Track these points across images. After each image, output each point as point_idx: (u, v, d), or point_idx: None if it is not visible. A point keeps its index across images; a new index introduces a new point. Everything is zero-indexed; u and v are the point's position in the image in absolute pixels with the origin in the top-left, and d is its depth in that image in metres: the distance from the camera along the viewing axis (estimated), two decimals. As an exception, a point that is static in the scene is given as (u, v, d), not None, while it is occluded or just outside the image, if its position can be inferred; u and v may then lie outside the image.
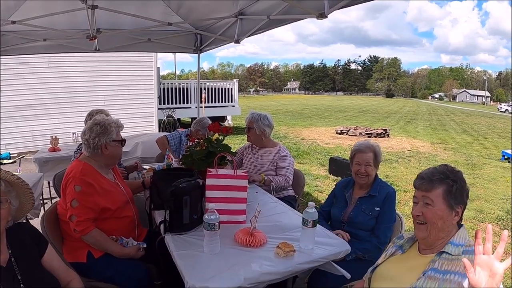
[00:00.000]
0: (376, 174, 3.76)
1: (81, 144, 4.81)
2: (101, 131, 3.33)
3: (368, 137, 18.12)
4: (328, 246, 2.86)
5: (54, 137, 7.65)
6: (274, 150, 4.94)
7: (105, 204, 3.22)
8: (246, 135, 5.11)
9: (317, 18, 4.28)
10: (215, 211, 2.69)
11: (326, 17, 4.17)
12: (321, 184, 9.43)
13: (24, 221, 2.93)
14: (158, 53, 15.66)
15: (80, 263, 3.05)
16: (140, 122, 14.68)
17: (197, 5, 6.46)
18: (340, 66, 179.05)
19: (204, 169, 3.45)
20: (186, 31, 7.75)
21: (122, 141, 3.53)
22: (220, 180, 3.23)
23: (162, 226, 3.11)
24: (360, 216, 3.59)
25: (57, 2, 5.65)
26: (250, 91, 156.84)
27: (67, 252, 3.19)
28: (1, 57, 8.00)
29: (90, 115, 4.87)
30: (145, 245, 3.32)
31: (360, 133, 18.93)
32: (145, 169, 5.34)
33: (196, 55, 8.48)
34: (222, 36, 6.93)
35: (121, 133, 3.58)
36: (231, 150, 3.98)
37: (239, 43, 6.56)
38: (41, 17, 5.93)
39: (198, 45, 8.23)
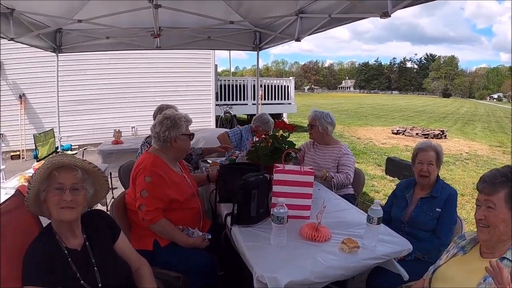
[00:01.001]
0: (438, 174, 3.73)
1: (148, 137, 4.99)
2: (171, 125, 3.46)
3: (425, 138, 17.71)
4: (390, 244, 2.86)
5: (117, 130, 7.98)
6: (336, 147, 4.95)
7: (173, 195, 3.34)
8: (303, 133, 5.14)
9: (380, 17, 4.26)
10: (284, 205, 2.74)
11: (390, 16, 4.16)
12: (378, 184, 9.36)
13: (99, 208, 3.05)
14: (215, 51, 15.74)
15: (146, 250, 3.17)
16: (198, 118, 14.74)
17: (257, 4, 6.52)
18: (396, 65, 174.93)
19: (270, 164, 3.52)
20: (245, 29, 7.84)
21: (191, 135, 3.65)
22: (287, 176, 3.28)
23: (228, 219, 3.19)
24: (421, 217, 3.57)
25: (121, 1, 5.81)
26: (304, 89, 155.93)
27: (134, 240, 3.30)
28: (64, 54, 8.24)
29: (160, 109, 4.99)
30: (210, 236, 3.42)
31: (417, 134, 18.52)
32: (209, 162, 5.49)
33: (252, 52, 8.53)
34: (282, 34, 6.95)
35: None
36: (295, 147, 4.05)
37: (300, 41, 6.54)
38: (106, 16, 6.13)
39: (257, 43, 8.29)
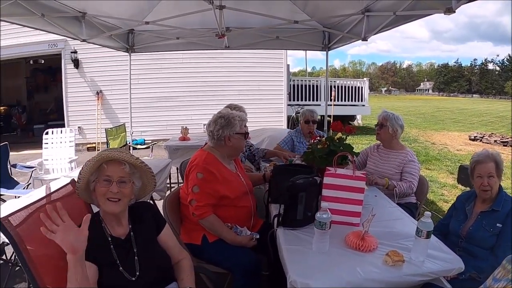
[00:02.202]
0: (500, 185, 3.48)
1: None
2: (225, 124, 3.55)
3: (504, 145, 16.90)
4: (440, 260, 2.65)
5: (184, 127, 8.24)
6: (401, 153, 4.78)
7: (224, 192, 3.42)
8: (375, 135, 5.03)
9: (444, 13, 4.08)
10: (328, 210, 2.68)
11: (454, 11, 3.96)
12: (448, 193, 8.96)
13: (149, 200, 3.14)
14: (288, 51, 15.84)
15: (194, 244, 3.33)
16: (269, 118, 15.12)
17: (323, 3, 6.48)
18: (477, 66, 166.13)
19: (324, 167, 3.45)
20: (313, 29, 7.79)
21: (245, 134, 3.73)
22: (338, 180, 3.20)
23: (275, 220, 3.17)
24: (480, 232, 3.32)
25: (187, 2, 5.93)
26: (381, 91, 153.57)
27: (184, 233, 3.50)
28: (137, 53, 8.54)
29: (228, 108, 5.03)
30: (258, 236, 3.43)
31: (495, 141, 17.63)
32: (269, 162, 5.59)
33: (329, 53, 8.48)
34: (349, 33, 6.86)
35: (249, 126, 3.74)
36: (354, 150, 3.97)
37: (367, 40, 6.38)
38: (173, 18, 6.33)
39: (326, 43, 8.22)
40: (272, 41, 8.07)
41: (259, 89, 15.34)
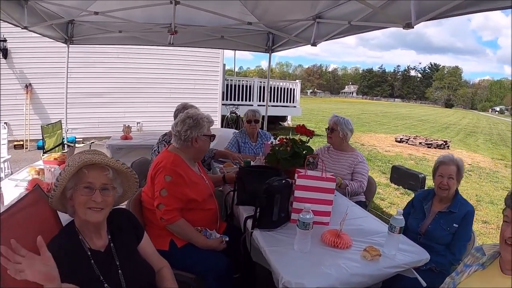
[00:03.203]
0: (457, 189, 3.74)
1: (165, 135, 4.99)
2: (193, 124, 3.46)
3: (428, 147, 17.82)
4: (409, 253, 2.87)
5: (127, 125, 7.92)
6: (352, 155, 4.93)
7: (192, 195, 3.33)
8: (327, 138, 5.13)
9: (403, 28, 4.21)
10: (310, 211, 2.72)
11: (413, 27, 4.10)
12: (383, 192, 9.33)
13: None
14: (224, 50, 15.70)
15: (162, 250, 3.06)
16: None
17: (273, 6, 6.48)
18: (400, 72, 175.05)
19: (289, 169, 3.53)
20: (259, 30, 7.85)
21: (211, 137, 3.65)
22: (309, 181, 3.25)
23: (249, 222, 3.17)
24: (438, 231, 3.60)
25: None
26: (307, 92, 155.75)
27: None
28: (75, 45, 8.31)
29: (184, 107, 4.94)
30: (227, 239, 3.39)
31: (420, 143, 18.50)
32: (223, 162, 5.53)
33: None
34: (297, 37, 6.91)
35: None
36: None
37: (315, 46, 6.48)
38: (122, 10, 6.11)
39: (270, 45, 8.28)
40: (217, 41, 8.07)
41: (194, 88, 15.18)
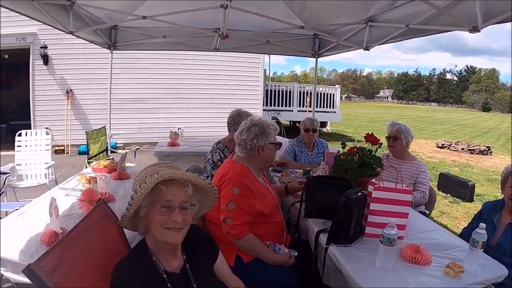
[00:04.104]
0: None
1: (218, 142, 4.83)
2: (260, 133, 3.29)
3: (471, 153, 17.42)
4: (488, 268, 2.73)
5: (174, 132, 7.80)
6: (413, 164, 4.75)
7: (260, 207, 3.17)
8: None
9: (469, 32, 3.98)
10: (395, 226, 2.59)
11: (479, 31, 3.87)
12: (431, 200, 9.03)
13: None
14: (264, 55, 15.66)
15: None
16: None
17: (322, 10, 6.27)
18: (435, 76, 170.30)
19: (362, 179, 3.39)
20: (305, 35, 7.68)
21: (277, 145, 3.45)
22: (386, 193, 3.09)
23: (322, 236, 3.02)
24: (510, 243, 3.37)
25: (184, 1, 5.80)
26: (342, 97, 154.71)
27: None
28: (120, 50, 8.30)
29: (239, 114, 4.78)
30: (296, 253, 3.22)
31: (462, 149, 18.07)
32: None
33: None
34: (347, 41, 6.66)
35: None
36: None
37: (369, 50, 6.25)
38: (172, 14, 5.99)
39: (317, 50, 8.10)
40: (263, 45, 7.95)
41: (236, 93, 15.10)
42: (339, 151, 4.47)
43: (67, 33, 6.06)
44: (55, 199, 2.82)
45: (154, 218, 2.06)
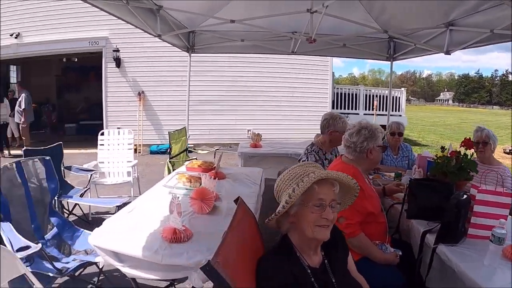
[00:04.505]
0: None
1: (312, 145, 4.94)
2: (369, 136, 3.42)
3: (539, 159, 16.74)
4: None
5: (256, 133, 7.98)
6: (499, 168, 4.67)
7: (370, 208, 3.29)
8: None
9: None
10: (505, 226, 2.70)
11: None
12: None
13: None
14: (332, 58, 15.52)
15: None
16: (312, 126, 14.48)
17: (401, 14, 6.30)
18: (498, 77, 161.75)
19: (463, 182, 3.56)
20: (380, 38, 7.75)
21: (384, 148, 3.59)
22: (488, 196, 3.16)
23: (429, 236, 3.12)
24: None
25: (272, 2, 5.96)
26: (409, 100, 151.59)
27: None
28: (198, 53, 8.54)
29: (332, 118, 4.88)
30: (400, 253, 3.30)
31: (530, 155, 17.25)
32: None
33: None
34: (426, 45, 6.62)
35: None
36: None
37: (449, 54, 6.22)
38: (262, 18, 6.25)
39: (392, 53, 8.13)
40: (339, 49, 8.02)
41: (304, 96, 15.08)
42: (436, 155, 4.51)
43: (155, 36, 6.29)
44: (178, 197, 2.99)
45: (306, 216, 2.16)
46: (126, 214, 3.58)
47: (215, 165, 5.12)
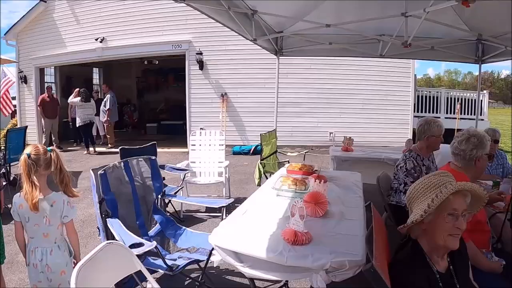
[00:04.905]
0: None
1: (410, 151, 4.93)
2: (478, 144, 3.42)
3: None
4: None
5: (348, 137, 7.95)
6: None
7: (479, 216, 3.30)
8: None
9: None
10: None
11: None
12: None
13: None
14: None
15: None
16: (393, 129, 14.57)
17: (493, 15, 6.18)
18: None
19: None
20: (468, 40, 7.61)
21: (490, 156, 3.60)
22: None
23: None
24: None
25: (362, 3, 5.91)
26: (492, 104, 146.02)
27: None
28: (286, 56, 8.76)
29: (427, 123, 4.85)
30: (504, 262, 3.29)
31: None
32: None
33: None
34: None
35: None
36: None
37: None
38: (354, 23, 6.32)
39: (480, 55, 8.00)
40: (426, 52, 7.97)
41: (386, 99, 14.74)
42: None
43: (251, 41, 6.44)
44: (300, 201, 3.08)
45: (440, 225, 2.26)
46: (241, 215, 3.69)
47: (316, 169, 5.18)
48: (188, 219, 6.84)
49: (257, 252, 2.84)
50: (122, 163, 4.41)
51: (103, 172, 3.98)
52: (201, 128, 10.03)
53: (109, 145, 15.56)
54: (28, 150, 3.10)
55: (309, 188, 4.13)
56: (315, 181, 3.94)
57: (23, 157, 3.05)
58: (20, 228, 3.25)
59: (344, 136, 7.99)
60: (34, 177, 3.08)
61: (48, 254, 3.18)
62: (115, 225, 3.75)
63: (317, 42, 7.80)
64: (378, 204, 4.25)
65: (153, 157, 4.82)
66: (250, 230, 3.28)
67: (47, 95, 15.50)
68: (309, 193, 3.75)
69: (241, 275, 4.37)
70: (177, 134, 17.33)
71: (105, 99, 15.52)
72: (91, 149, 14.51)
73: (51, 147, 3.27)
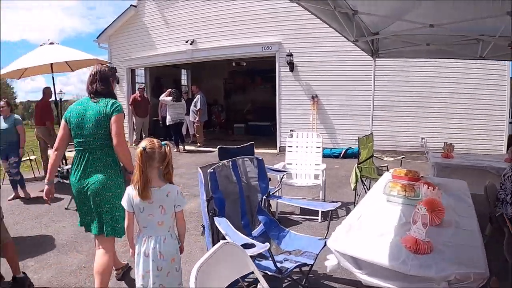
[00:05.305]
0: None
1: None
2: None
3: None
4: None
5: (448, 143, 7.74)
6: None
7: None
8: None
9: None
10: None
11: None
12: None
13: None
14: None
15: None
16: (486, 136, 13.72)
17: None
18: None
19: None
20: None
21: None
22: None
23: None
24: None
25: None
26: None
27: None
28: (382, 58, 8.78)
29: None
30: None
31: None
32: None
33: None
34: None
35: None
36: None
37: None
38: (454, 23, 6.07)
39: None
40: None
41: (478, 103, 13.83)
42: None
43: (352, 42, 6.42)
44: (421, 207, 3.05)
45: None
46: (356, 220, 3.69)
47: (421, 175, 5.10)
48: (283, 220, 6.80)
49: (379, 259, 2.82)
50: (230, 162, 4.52)
51: (212, 170, 4.08)
52: (291, 130, 10.04)
53: (198, 144, 15.93)
54: (143, 143, 3.26)
55: (420, 195, 4.06)
56: (428, 188, 3.89)
57: (139, 150, 3.20)
58: (132, 218, 3.41)
59: (445, 142, 7.71)
60: (148, 170, 3.22)
61: (162, 242, 3.33)
62: (222, 223, 3.83)
63: (414, 43, 7.57)
64: (483, 215, 4.14)
65: (260, 157, 4.92)
66: (368, 236, 3.27)
67: (138, 95, 16.29)
68: (425, 200, 3.66)
69: (339, 281, 4.46)
70: (264, 135, 17.47)
71: (195, 100, 15.95)
72: (180, 147, 14.93)
73: (165, 142, 3.40)
